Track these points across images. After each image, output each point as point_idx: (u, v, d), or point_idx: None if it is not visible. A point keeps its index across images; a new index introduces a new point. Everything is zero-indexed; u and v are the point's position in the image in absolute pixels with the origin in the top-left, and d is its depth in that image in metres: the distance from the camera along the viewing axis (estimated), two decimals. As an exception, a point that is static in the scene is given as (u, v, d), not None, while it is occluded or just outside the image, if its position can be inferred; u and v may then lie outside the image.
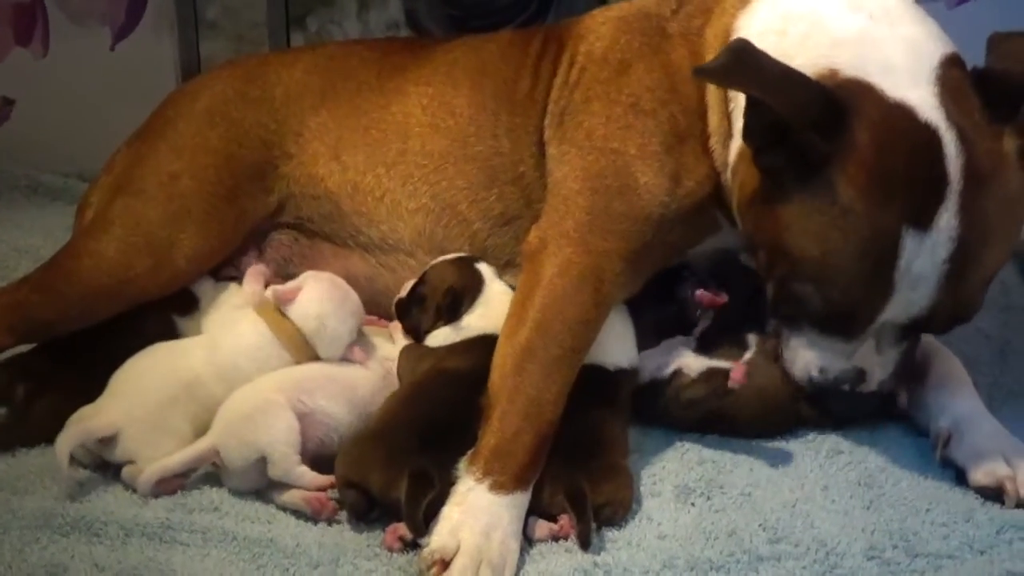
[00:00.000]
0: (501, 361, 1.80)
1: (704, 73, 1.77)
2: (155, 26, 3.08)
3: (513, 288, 1.99)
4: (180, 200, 2.12)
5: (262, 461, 1.76)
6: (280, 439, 1.76)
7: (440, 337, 2.00)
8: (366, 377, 1.96)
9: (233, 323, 2.03)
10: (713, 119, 1.93)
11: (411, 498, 1.65)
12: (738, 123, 1.83)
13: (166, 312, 2.11)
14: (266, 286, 2.06)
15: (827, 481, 1.85)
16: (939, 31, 1.80)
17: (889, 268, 1.66)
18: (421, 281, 2.07)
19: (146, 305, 2.08)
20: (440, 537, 1.62)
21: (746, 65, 1.68)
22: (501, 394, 1.76)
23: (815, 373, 1.84)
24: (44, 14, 3.08)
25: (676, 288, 2.02)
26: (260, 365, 1.94)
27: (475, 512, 1.65)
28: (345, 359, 1.99)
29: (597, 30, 2.11)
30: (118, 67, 3.08)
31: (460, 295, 2.01)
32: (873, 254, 1.66)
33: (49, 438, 1.87)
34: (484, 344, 1.91)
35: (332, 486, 1.76)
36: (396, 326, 2.11)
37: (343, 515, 1.76)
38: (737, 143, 1.85)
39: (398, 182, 2.18)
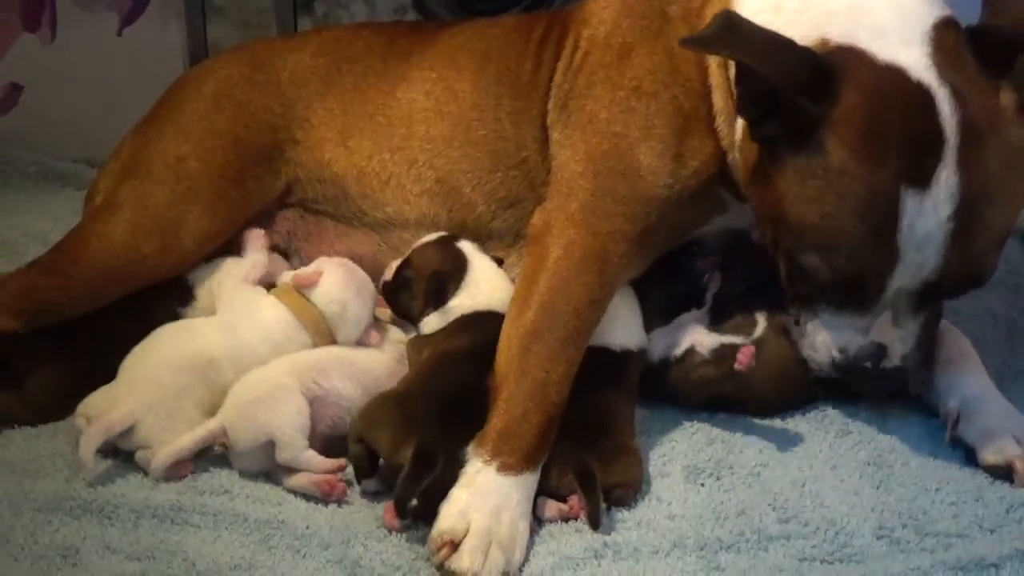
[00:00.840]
0: (507, 343, 1.81)
1: (692, 42, 1.77)
2: (162, 11, 3.07)
3: (497, 261, 2.05)
4: (187, 182, 2.12)
5: (270, 444, 1.76)
6: (289, 422, 1.77)
7: (432, 324, 2.00)
8: (380, 359, 1.97)
9: (251, 307, 2.03)
10: (718, 100, 1.92)
11: (410, 477, 1.64)
12: None
13: (170, 303, 2.10)
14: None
15: (836, 461, 1.85)
16: None
17: (891, 230, 1.65)
18: (406, 264, 2.07)
19: (151, 294, 2.08)
20: (449, 519, 1.63)
21: (733, 32, 1.68)
22: (508, 376, 1.77)
23: (835, 353, 1.82)
24: (52, 0, 3.08)
25: (681, 259, 2.03)
26: (275, 349, 1.94)
27: (484, 494, 1.66)
28: (361, 342, 2.01)
29: (600, 14, 2.11)
30: (125, 52, 3.08)
31: (445, 280, 2.01)
32: (872, 215, 1.65)
33: (45, 416, 1.93)
34: (479, 322, 1.93)
35: (340, 469, 1.77)
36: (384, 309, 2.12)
37: (353, 497, 1.77)
38: (742, 121, 1.84)
39: (403, 166, 2.19)
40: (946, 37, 1.71)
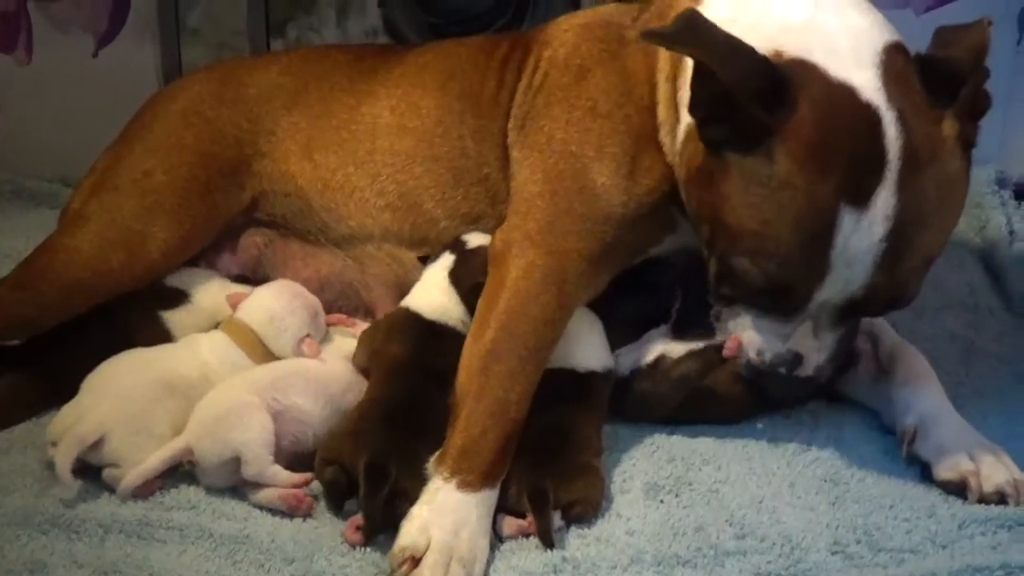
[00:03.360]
0: (467, 361, 1.83)
1: (653, 36, 1.78)
2: (137, 33, 3.10)
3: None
4: (153, 195, 2.16)
5: (236, 460, 1.78)
6: (253, 438, 1.78)
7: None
8: (339, 374, 1.98)
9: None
10: (661, 112, 1.95)
11: (368, 493, 1.67)
12: (685, 101, 1.84)
13: (148, 308, 2.14)
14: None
15: (794, 478, 1.87)
16: (884, 21, 1.82)
17: (825, 244, 1.67)
18: None
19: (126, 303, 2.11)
20: (410, 535, 1.65)
21: (695, 30, 1.69)
22: (468, 394, 1.78)
23: (752, 355, 1.85)
24: (28, 21, 3.10)
25: (648, 275, 2.07)
26: (221, 367, 1.98)
27: (444, 510, 1.68)
28: (299, 354, 2.02)
29: (560, 37, 2.15)
30: (101, 73, 3.10)
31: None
32: (809, 228, 1.67)
33: (7, 423, 1.98)
34: (412, 330, 1.98)
35: (306, 483, 1.79)
36: (363, 326, 2.14)
37: (318, 512, 1.79)
38: (684, 124, 1.86)
39: (367, 180, 2.22)
40: (895, 61, 1.74)
